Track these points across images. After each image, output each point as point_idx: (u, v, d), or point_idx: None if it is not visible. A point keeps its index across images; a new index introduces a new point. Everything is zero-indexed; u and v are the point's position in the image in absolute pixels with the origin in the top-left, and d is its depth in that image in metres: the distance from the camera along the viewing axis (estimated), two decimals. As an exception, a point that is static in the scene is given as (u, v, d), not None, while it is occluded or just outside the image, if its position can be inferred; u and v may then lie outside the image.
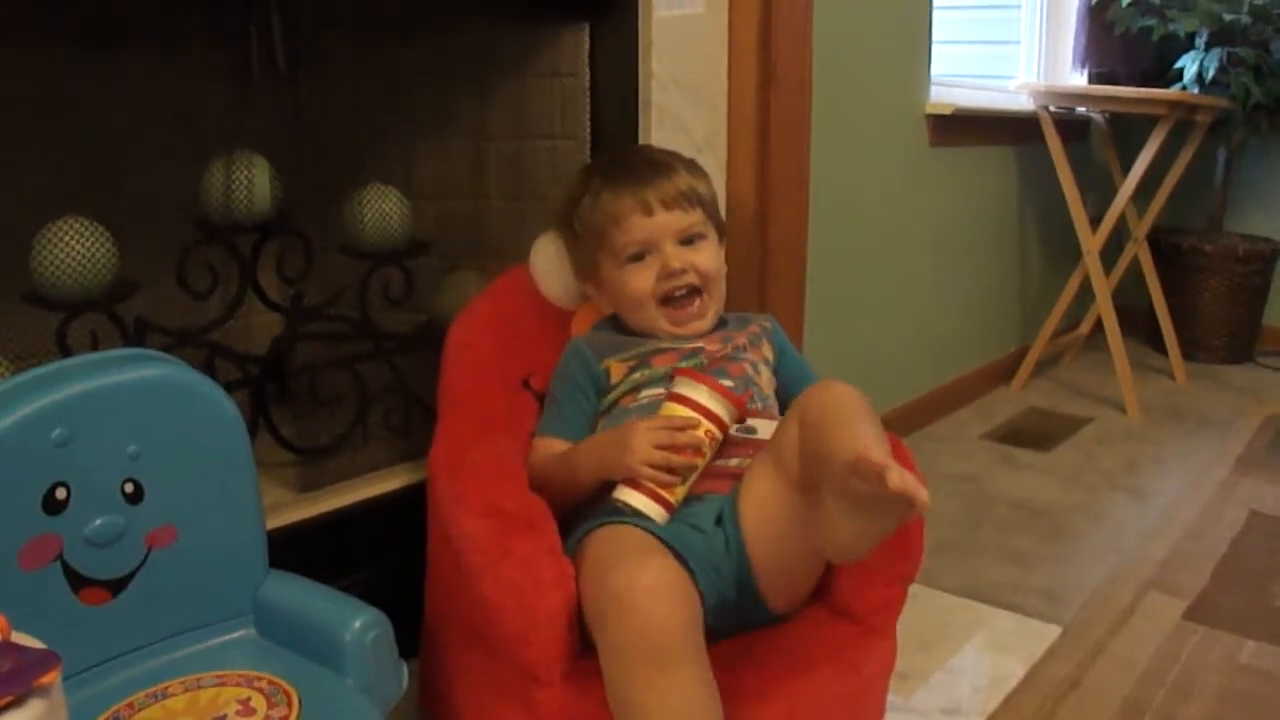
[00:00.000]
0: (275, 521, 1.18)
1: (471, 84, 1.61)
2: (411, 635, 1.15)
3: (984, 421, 2.59)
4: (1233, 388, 2.93)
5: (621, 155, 1.33)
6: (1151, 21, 2.96)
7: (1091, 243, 2.72)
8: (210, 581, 0.96)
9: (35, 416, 0.85)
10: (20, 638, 0.69)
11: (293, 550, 1.05)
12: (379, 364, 1.39)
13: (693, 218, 1.23)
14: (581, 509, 1.13)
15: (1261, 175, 3.31)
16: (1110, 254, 2.86)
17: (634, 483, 1.07)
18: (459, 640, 1.13)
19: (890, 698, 1.19)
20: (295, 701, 0.87)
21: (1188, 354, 3.08)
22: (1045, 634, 1.53)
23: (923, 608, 1.58)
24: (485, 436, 1.19)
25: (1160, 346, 3.06)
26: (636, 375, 1.21)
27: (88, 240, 1.16)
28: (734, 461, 1.13)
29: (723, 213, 1.36)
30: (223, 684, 0.90)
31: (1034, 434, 2.50)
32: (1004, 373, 2.90)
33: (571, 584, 1.00)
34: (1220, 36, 2.96)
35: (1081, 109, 2.96)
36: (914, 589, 1.14)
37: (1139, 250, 2.93)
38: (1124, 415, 2.64)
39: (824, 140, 1.90)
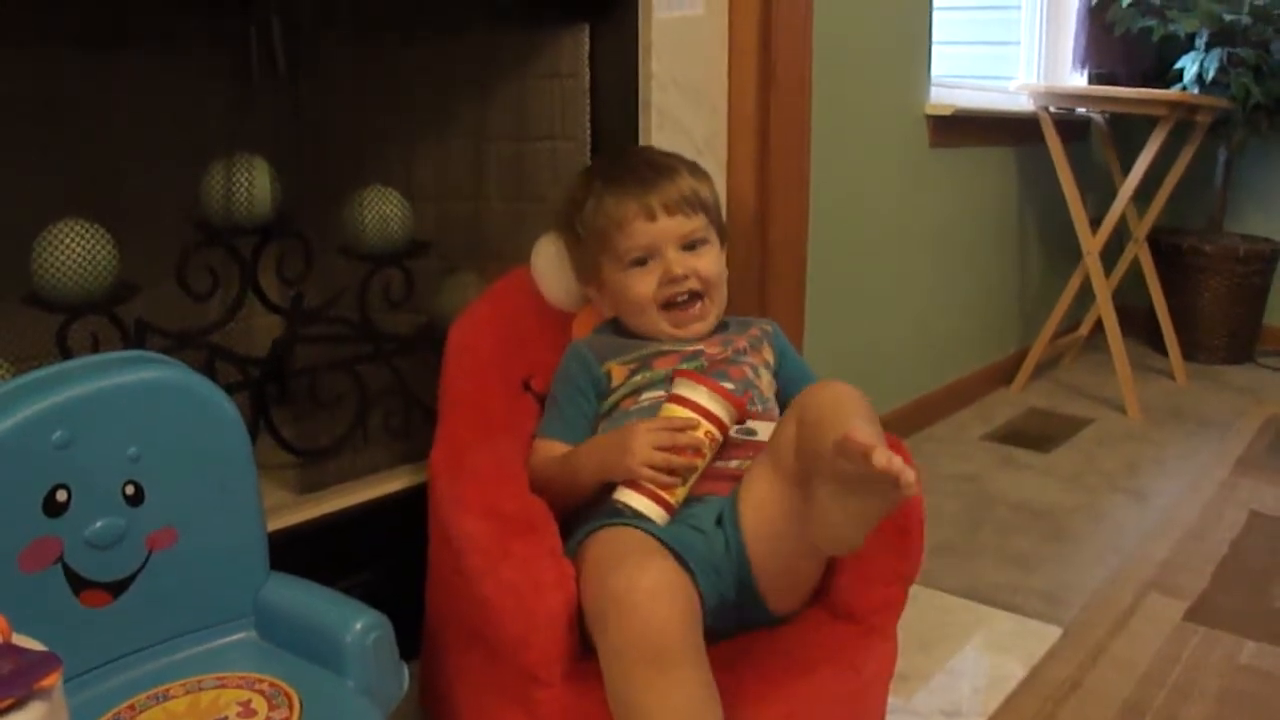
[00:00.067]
0: (276, 523, 1.18)
1: (471, 85, 1.61)
2: (412, 637, 1.15)
3: (984, 422, 2.59)
4: (1233, 388, 2.93)
5: (624, 157, 1.32)
6: (1151, 22, 2.96)
7: (1092, 243, 2.72)
8: (211, 583, 0.96)
9: (36, 419, 0.85)
10: (21, 640, 0.69)
11: (293, 552, 1.05)
12: (379, 366, 1.39)
13: (695, 223, 1.23)
14: (582, 511, 1.13)
15: (1261, 175, 3.31)
16: (1110, 254, 2.86)
17: (634, 484, 1.07)
18: (459, 642, 1.13)
19: (890, 699, 1.19)
20: (296, 703, 0.87)
21: (1188, 354, 3.08)
22: (1045, 635, 1.53)
23: (923, 608, 1.58)
24: (485, 438, 1.19)
25: (1160, 347, 3.06)
26: (637, 378, 1.21)
27: (88, 242, 1.16)
28: (734, 463, 1.13)
29: (723, 214, 1.36)
30: (223, 686, 0.90)
31: (1034, 435, 2.50)
32: (1004, 374, 2.90)
33: (572, 585, 1.00)
34: (1220, 37, 2.96)
35: (1081, 110, 2.96)
36: (914, 590, 1.14)
37: (1139, 251, 2.93)
38: (1124, 416, 2.64)
39: (824, 141, 1.90)
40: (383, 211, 1.40)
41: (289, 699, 0.88)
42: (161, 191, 1.33)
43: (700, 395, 1.09)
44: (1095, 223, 2.75)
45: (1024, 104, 2.76)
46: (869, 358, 2.29)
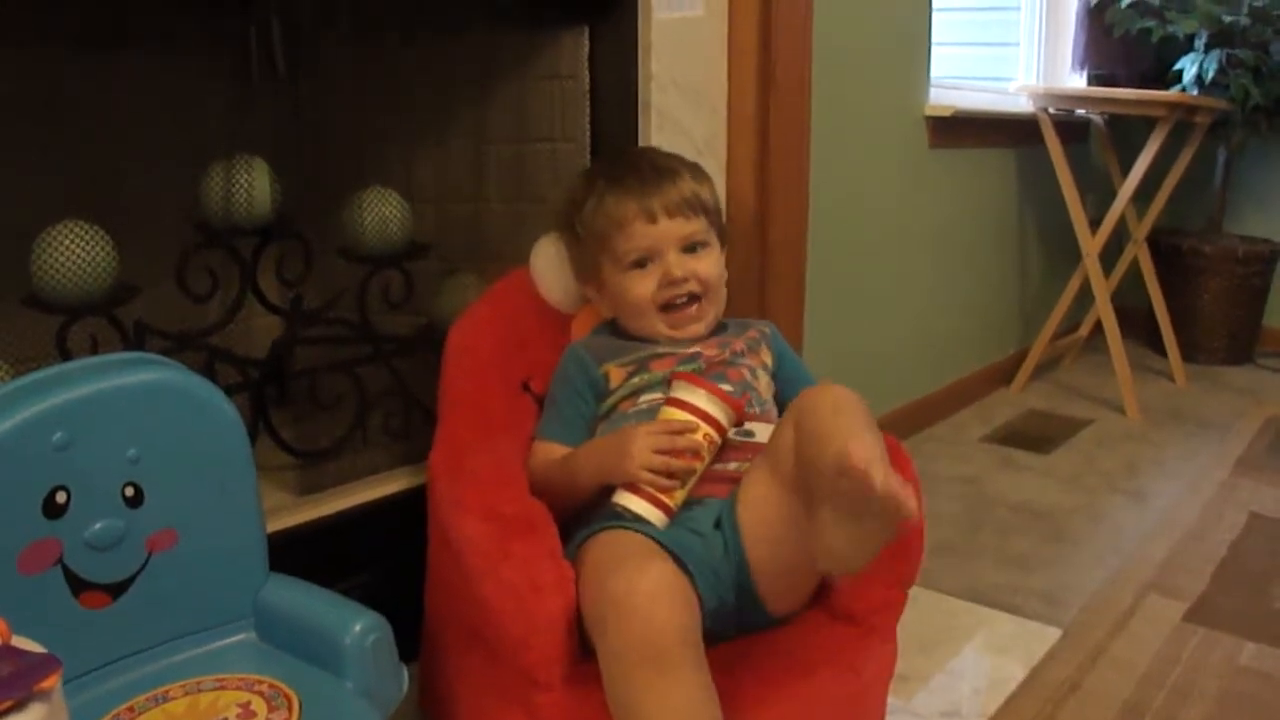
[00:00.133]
0: (275, 525, 1.18)
1: (471, 86, 1.61)
2: (412, 638, 1.15)
3: (984, 423, 2.59)
4: (1232, 389, 2.93)
5: (626, 159, 1.32)
6: (1150, 23, 2.96)
7: (1091, 244, 2.72)
8: (210, 585, 0.96)
9: (35, 420, 0.85)
10: (21, 641, 0.69)
11: (293, 553, 1.05)
12: (379, 367, 1.39)
13: (696, 225, 1.23)
14: (581, 514, 1.13)
15: (1261, 176, 3.31)
16: (1110, 255, 2.86)
17: (633, 487, 1.07)
18: (459, 643, 1.13)
19: (890, 700, 1.19)
20: (295, 705, 0.87)
21: (1187, 356, 3.08)
22: (1045, 636, 1.53)
23: (923, 610, 1.58)
24: (485, 439, 1.19)
25: (1160, 348, 3.06)
26: (635, 380, 1.20)
27: (88, 244, 1.16)
28: (732, 465, 1.13)
29: (723, 214, 1.36)
30: (223, 687, 0.90)
31: (1034, 436, 2.50)
32: (1004, 374, 2.90)
33: (571, 587, 1.00)
34: (1219, 38, 2.96)
35: (1081, 111, 2.96)
36: (914, 591, 1.14)
37: (1138, 252, 2.93)
38: (1124, 417, 2.64)
39: (824, 142, 1.90)
40: (382, 213, 1.40)
41: (288, 700, 0.88)
42: (161, 192, 1.33)
43: (699, 398, 1.09)
44: (1095, 224, 2.76)
45: (1023, 105, 2.76)
46: (869, 358, 2.29)
